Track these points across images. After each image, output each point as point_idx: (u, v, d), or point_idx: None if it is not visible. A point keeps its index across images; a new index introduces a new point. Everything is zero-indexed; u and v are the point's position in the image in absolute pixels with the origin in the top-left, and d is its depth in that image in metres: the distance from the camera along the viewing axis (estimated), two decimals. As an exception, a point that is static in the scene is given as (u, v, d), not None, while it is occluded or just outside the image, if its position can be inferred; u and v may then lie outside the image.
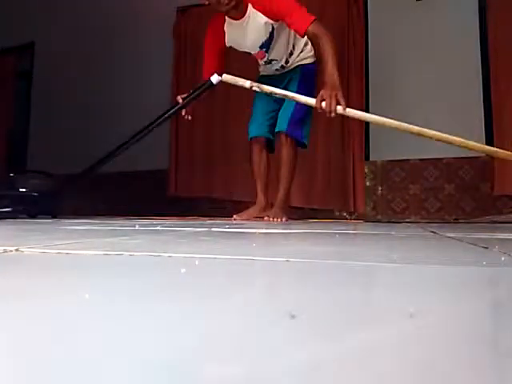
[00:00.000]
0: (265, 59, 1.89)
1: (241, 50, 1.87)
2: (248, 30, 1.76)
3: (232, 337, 0.15)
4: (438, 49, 2.54)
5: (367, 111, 2.64)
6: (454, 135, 1.67)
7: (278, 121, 1.89)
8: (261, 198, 1.95)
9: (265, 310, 0.20)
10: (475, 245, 0.52)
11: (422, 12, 2.59)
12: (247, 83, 1.58)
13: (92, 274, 0.30)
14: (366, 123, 2.66)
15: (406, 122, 1.61)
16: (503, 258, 0.39)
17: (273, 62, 1.91)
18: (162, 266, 0.34)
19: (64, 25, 3.59)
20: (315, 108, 1.57)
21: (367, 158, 2.62)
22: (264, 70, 2.01)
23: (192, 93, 1.78)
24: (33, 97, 3.75)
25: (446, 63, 2.52)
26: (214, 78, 1.68)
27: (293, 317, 0.17)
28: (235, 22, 1.76)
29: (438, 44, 2.54)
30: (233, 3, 1.66)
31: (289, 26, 1.73)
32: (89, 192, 3.13)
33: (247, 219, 1.72)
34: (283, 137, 1.86)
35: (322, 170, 2.59)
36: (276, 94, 1.58)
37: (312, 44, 1.77)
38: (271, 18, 1.71)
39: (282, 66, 1.93)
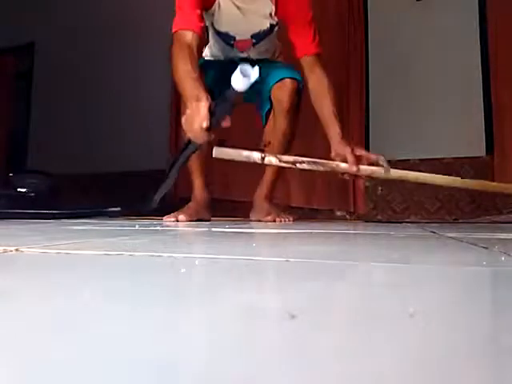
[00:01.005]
0: (245, 54, 1.47)
1: (221, 29, 1.42)
2: (249, 10, 1.38)
3: (232, 336, 0.15)
4: (438, 49, 2.54)
5: (367, 112, 2.64)
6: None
7: (274, 73, 1.42)
8: (200, 192, 1.45)
9: (264, 310, 0.20)
10: (475, 245, 0.52)
11: (421, 12, 2.59)
12: (255, 155, 1.12)
13: (92, 274, 0.30)
14: (366, 123, 2.66)
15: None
16: (503, 258, 0.39)
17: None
18: (162, 266, 0.34)
19: (64, 25, 3.59)
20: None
21: (367, 158, 2.61)
22: (217, 53, 1.51)
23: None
24: (33, 97, 3.76)
25: (446, 63, 2.52)
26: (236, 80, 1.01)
27: (293, 317, 0.17)
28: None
29: (438, 44, 2.54)
30: None
31: (294, 34, 1.41)
32: (89, 192, 3.13)
33: (179, 219, 1.30)
34: (289, 81, 1.38)
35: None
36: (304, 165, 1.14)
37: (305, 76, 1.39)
38: (279, 15, 1.39)
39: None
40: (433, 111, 2.50)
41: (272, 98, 1.42)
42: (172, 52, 1.24)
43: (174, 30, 1.28)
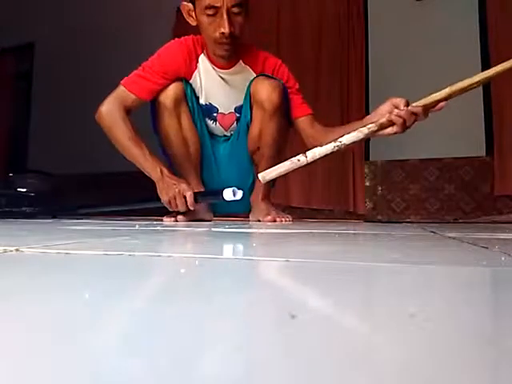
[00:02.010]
0: (231, 128, 1.45)
1: (204, 101, 1.40)
2: (230, 85, 1.38)
3: (232, 336, 0.15)
4: (438, 49, 2.54)
5: (367, 111, 2.64)
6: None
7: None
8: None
9: (265, 310, 0.20)
10: (475, 245, 0.52)
11: (422, 12, 2.59)
12: (301, 158, 1.08)
13: (92, 274, 0.30)
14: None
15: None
16: (503, 258, 0.39)
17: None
18: (162, 266, 0.34)
19: (64, 25, 3.59)
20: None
21: (367, 158, 2.62)
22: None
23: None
24: (33, 97, 3.75)
25: (446, 63, 2.52)
26: (228, 194, 1.16)
27: (293, 317, 0.17)
28: (214, 68, 1.36)
29: (438, 44, 2.54)
30: (231, 46, 1.26)
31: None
32: (89, 192, 3.13)
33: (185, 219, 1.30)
34: (267, 79, 1.33)
35: (322, 170, 2.60)
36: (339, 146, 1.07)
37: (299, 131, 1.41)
38: None
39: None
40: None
41: (252, 101, 1.36)
42: (109, 103, 1.30)
43: (122, 83, 1.33)
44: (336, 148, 1.08)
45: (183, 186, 1.24)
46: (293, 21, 2.78)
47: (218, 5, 1.19)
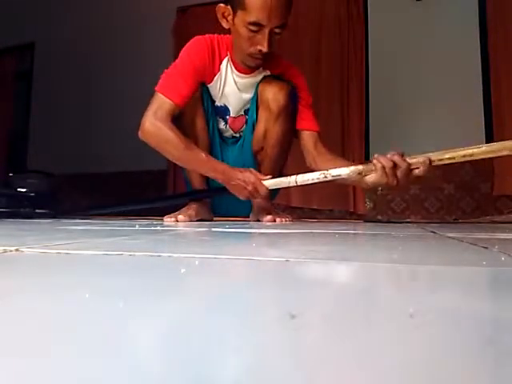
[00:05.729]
0: (241, 129, 1.46)
1: (219, 103, 1.41)
2: (241, 87, 1.38)
3: (232, 336, 0.15)
4: (438, 49, 2.54)
5: (367, 112, 2.65)
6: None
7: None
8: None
9: (265, 310, 0.20)
10: (475, 245, 0.52)
11: (422, 12, 2.59)
12: (293, 179, 1.18)
13: (92, 274, 0.30)
14: (366, 123, 2.66)
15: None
16: (503, 258, 0.39)
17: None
18: (162, 266, 0.34)
19: (64, 25, 3.59)
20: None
21: (367, 157, 2.62)
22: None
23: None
24: (33, 97, 3.75)
25: (446, 63, 2.52)
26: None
27: (293, 317, 0.17)
28: (233, 71, 1.36)
29: (438, 44, 2.54)
30: (262, 61, 1.28)
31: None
32: (89, 192, 3.13)
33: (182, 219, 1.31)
34: (276, 80, 1.34)
35: (322, 170, 2.59)
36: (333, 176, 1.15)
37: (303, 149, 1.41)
38: None
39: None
40: (433, 112, 2.50)
41: (259, 101, 1.36)
42: (152, 117, 1.23)
43: (159, 90, 1.27)
44: (322, 175, 1.17)
45: (251, 179, 1.21)
46: (293, 21, 2.78)
47: (264, 23, 1.18)
